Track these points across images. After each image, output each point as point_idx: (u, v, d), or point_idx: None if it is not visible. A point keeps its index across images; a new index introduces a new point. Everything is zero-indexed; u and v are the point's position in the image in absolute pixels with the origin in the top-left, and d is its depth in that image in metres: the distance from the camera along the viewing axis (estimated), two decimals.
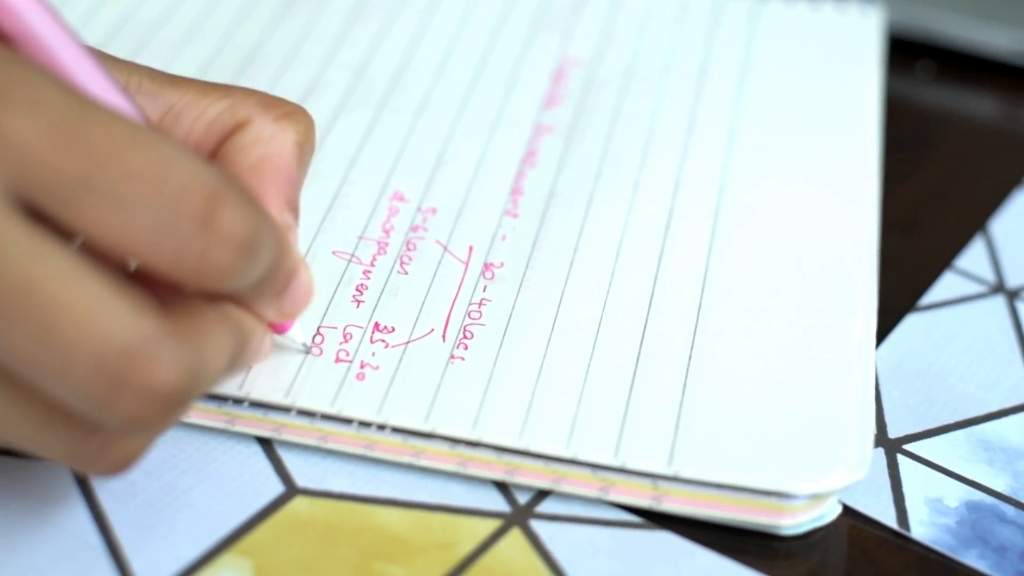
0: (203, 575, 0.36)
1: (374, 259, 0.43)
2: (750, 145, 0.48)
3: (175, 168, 0.31)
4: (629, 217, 0.45)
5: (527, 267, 0.43)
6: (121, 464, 0.34)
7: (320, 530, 0.38)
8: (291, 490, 0.38)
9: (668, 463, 0.38)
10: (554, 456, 0.38)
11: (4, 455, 0.38)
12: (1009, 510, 0.39)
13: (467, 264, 0.43)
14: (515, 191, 0.46)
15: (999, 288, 0.46)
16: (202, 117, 0.37)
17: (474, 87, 0.50)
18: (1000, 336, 0.44)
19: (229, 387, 0.39)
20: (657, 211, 0.45)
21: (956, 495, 0.40)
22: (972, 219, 0.48)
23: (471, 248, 0.43)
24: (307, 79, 0.50)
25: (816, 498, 0.38)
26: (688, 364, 0.40)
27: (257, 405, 0.39)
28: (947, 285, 0.46)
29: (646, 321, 0.41)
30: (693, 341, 0.41)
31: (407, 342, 0.40)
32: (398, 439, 0.38)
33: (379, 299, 0.42)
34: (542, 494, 0.39)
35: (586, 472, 0.38)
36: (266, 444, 0.39)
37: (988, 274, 0.46)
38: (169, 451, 0.39)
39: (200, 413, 0.39)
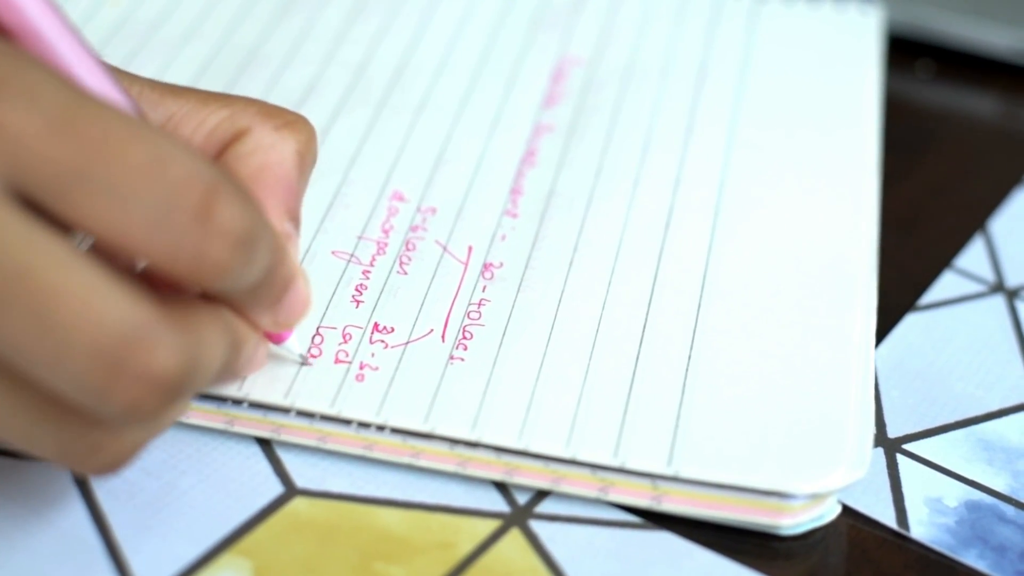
0: (202, 575, 0.36)
1: (373, 259, 0.43)
2: (750, 144, 0.48)
3: (172, 162, 0.31)
4: (629, 216, 0.45)
5: (526, 267, 0.43)
6: (113, 463, 0.34)
7: (320, 530, 0.38)
8: (290, 490, 0.38)
9: (667, 463, 0.38)
10: (553, 456, 0.38)
11: (2, 455, 0.38)
12: (1009, 510, 0.39)
13: (466, 264, 0.43)
14: (514, 191, 0.46)
15: (999, 287, 0.46)
16: (202, 126, 0.37)
17: (474, 86, 0.50)
18: (1000, 335, 0.44)
19: (229, 388, 0.39)
20: (657, 210, 0.45)
21: (956, 495, 0.40)
22: (972, 218, 0.48)
23: (470, 248, 0.43)
24: (307, 78, 0.50)
25: (815, 498, 0.38)
26: (687, 364, 0.40)
27: (256, 406, 0.39)
28: (947, 284, 0.46)
29: (645, 321, 0.41)
30: (693, 341, 0.41)
31: (406, 342, 0.40)
32: (397, 439, 0.38)
33: (378, 299, 0.42)
34: (541, 494, 0.39)
35: (585, 472, 0.38)
36: (265, 445, 0.39)
37: (988, 273, 0.46)
38: (168, 451, 0.39)
39: (200, 414, 0.39)
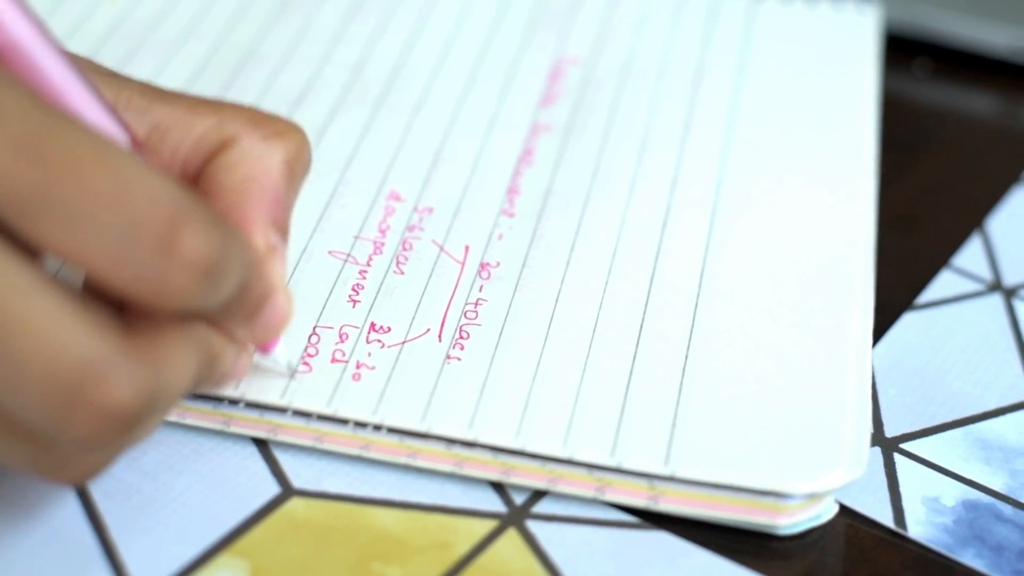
0: None
1: (370, 259, 0.43)
2: (747, 143, 0.48)
3: (137, 187, 0.31)
4: (626, 216, 0.45)
5: (523, 266, 0.43)
6: (84, 475, 0.34)
7: (316, 531, 0.38)
8: (287, 491, 0.38)
9: (664, 463, 0.38)
10: (550, 456, 0.38)
11: None
12: (1006, 509, 0.39)
13: (463, 264, 0.43)
14: (512, 190, 0.46)
15: (996, 286, 0.46)
16: (190, 134, 0.36)
17: (471, 86, 0.50)
18: (997, 334, 0.44)
19: (225, 389, 0.39)
20: (654, 210, 0.45)
21: (953, 494, 0.40)
22: (969, 217, 0.48)
23: (467, 248, 0.43)
24: (303, 78, 0.50)
25: (813, 497, 0.38)
26: (684, 363, 0.40)
27: (253, 406, 0.39)
28: (944, 283, 0.46)
29: (642, 320, 0.41)
30: (689, 340, 0.41)
31: (403, 342, 0.40)
32: (394, 439, 0.38)
33: (375, 299, 0.42)
34: (538, 494, 0.39)
35: (582, 472, 0.38)
36: (262, 445, 0.39)
37: (985, 272, 0.46)
38: (165, 452, 0.39)
39: (196, 414, 0.39)
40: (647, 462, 0.38)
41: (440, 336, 0.41)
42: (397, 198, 0.45)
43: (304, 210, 0.44)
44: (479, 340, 0.41)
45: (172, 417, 0.39)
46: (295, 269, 0.42)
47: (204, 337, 0.34)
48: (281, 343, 0.38)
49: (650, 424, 0.39)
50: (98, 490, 0.38)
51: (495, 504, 0.38)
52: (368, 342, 0.40)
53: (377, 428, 0.38)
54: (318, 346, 0.40)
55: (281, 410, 0.39)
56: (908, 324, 0.44)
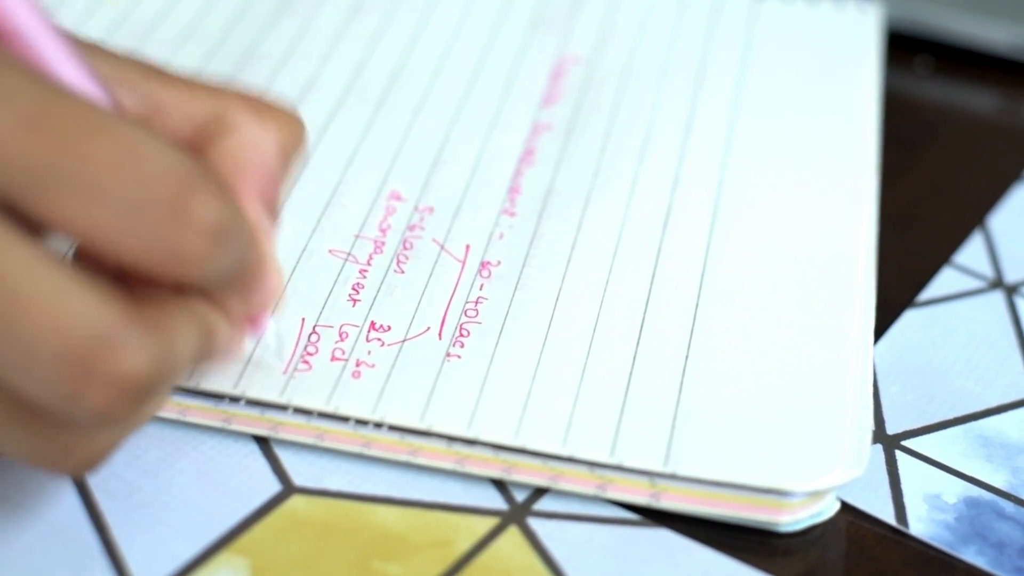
0: (200, 574, 0.36)
1: (371, 258, 0.43)
2: (748, 142, 0.48)
3: (147, 156, 0.31)
4: (627, 215, 0.45)
5: (524, 265, 0.43)
6: (86, 464, 0.34)
7: (317, 529, 0.38)
8: (288, 489, 0.38)
9: (665, 461, 0.38)
10: (551, 454, 0.38)
11: None
12: (1008, 506, 0.39)
13: (464, 263, 0.43)
14: (513, 189, 0.46)
15: (998, 283, 0.46)
16: (188, 117, 0.36)
17: (472, 85, 0.50)
18: (999, 332, 0.44)
19: (225, 385, 0.39)
20: (655, 209, 0.45)
21: (955, 491, 0.40)
22: (971, 214, 0.48)
23: (468, 247, 0.43)
24: (304, 77, 0.50)
25: (814, 495, 0.38)
26: (685, 361, 0.40)
27: (254, 403, 0.39)
28: (946, 281, 0.46)
29: (643, 319, 0.41)
30: (690, 338, 0.41)
31: (403, 340, 0.40)
32: (395, 437, 0.38)
33: (375, 298, 0.42)
34: (539, 492, 0.39)
35: (583, 470, 0.38)
36: (263, 443, 0.39)
37: (987, 269, 0.46)
38: (166, 450, 0.39)
39: (197, 411, 0.39)
40: (647, 460, 0.38)
41: (440, 334, 0.41)
42: (398, 197, 0.45)
43: (304, 209, 0.44)
44: (479, 339, 0.40)
45: (173, 415, 0.39)
46: (295, 268, 0.42)
47: (201, 310, 0.34)
48: (271, 327, 0.38)
49: (650, 422, 0.38)
50: (99, 488, 0.38)
51: (496, 502, 0.38)
52: (368, 340, 0.40)
53: (378, 426, 0.38)
54: (318, 344, 0.40)
55: (282, 408, 0.39)
56: (909, 321, 0.44)
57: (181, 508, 0.38)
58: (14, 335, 0.30)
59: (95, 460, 0.34)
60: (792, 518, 0.38)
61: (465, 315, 0.41)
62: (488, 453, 0.38)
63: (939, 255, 0.47)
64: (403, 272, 0.42)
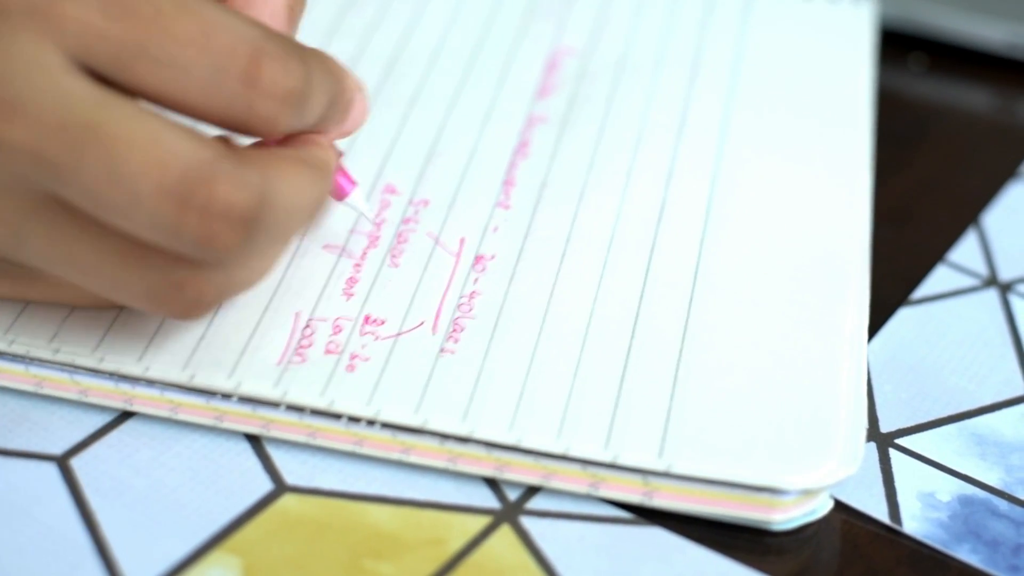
0: (191, 573, 0.36)
1: (365, 252, 0.43)
2: (742, 137, 0.48)
3: (218, 31, 0.34)
4: (621, 208, 0.45)
5: (518, 259, 0.43)
6: (197, 303, 0.36)
7: (309, 528, 0.37)
8: (280, 487, 0.38)
9: (659, 456, 0.38)
10: (544, 451, 0.38)
11: None
12: (1002, 504, 0.39)
13: (458, 256, 0.43)
14: (507, 182, 0.45)
15: (992, 281, 0.46)
16: None
17: (467, 78, 0.50)
18: (993, 329, 0.44)
19: (218, 379, 0.38)
20: (649, 202, 0.45)
21: (948, 489, 0.39)
22: (965, 212, 0.48)
23: (462, 240, 0.43)
24: None
25: (807, 493, 0.38)
26: (679, 357, 0.40)
27: (246, 400, 0.39)
28: (940, 278, 0.46)
29: (637, 314, 0.41)
30: (684, 334, 0.41)
31: (397, 334, 0.40)
32: (387, 435, 0.38)
33: (369, 292, 0.41)
34: (532, 490, 0.39)
35: (576, 468, 0.38)
36: (255, 441, 0.39)
37: (981, 267, 0.46)
38: (157, 449, 0.39)
39: (188, 409, 0.39)
40: (641, 456, 0.38)
41: (435, 328, 0.40)
42: (393, 191, 0.45)
43: None
44: (473, 333, 0.40)
45: (164, 412, 0.39)
46: (289, 264, 0.42)
47: (312, 153, 0.37)
48: (357, 188, 0.41)
49: (644, 417, 0.38)
50: (90, 487, 0.38)
51: (489, 500, 0.38)
52: (362, 334, 0.40)
53: (371, 423, 0.38)
54: (312, 338, 0.40)
55: (274, 404, 0.38)
56: (903, 319, 0.44)
57: (172, 507, 0.38)
58: (119, 176, 0.33)
59: (206, 301, 0.36)
60: (785, 516, 0.38)
61: (459, 309, 0.41)
62: (481, 451, 0.38)
63: (933, 253, 0.46)
64: (397, 266, 0.42)
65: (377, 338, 0.40)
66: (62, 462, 0.38)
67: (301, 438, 0.39)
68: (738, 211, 0.45)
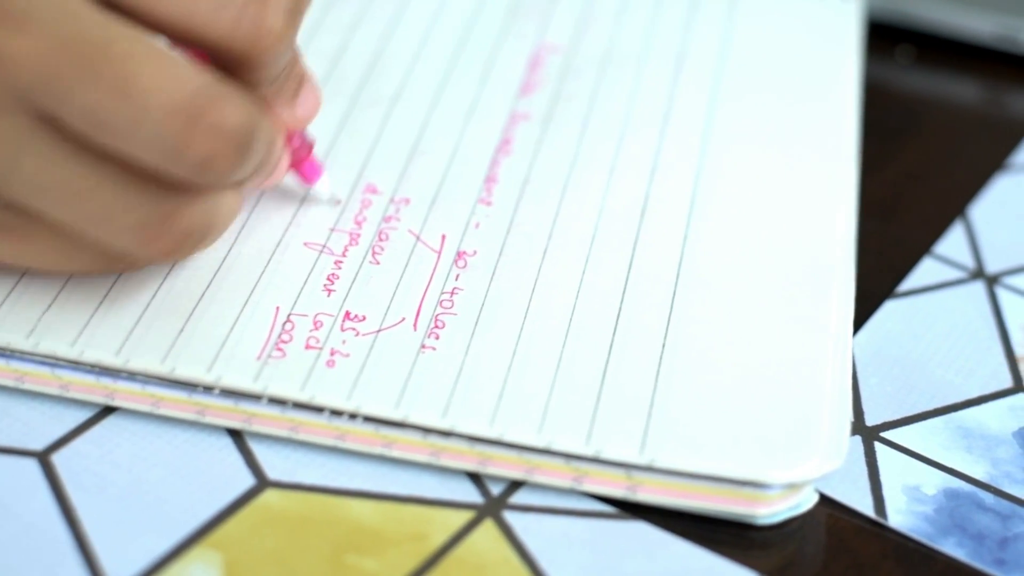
0: (173, 569, 0.36)
1: (346, 250, 0.42)
2: (727, 131, 0.47)
3: None
4: (604, 204, 0.44)
5: (500, 255, 0.43)
6: (183, 240, 0.37)
7: (291, 523, 0.37)
8: (262, 483, 0.38)
9: (640, 451, 0.37)
10: (526, 445, 0.38)
11: None
12: (988, 497, 0.39)
13: (440, 253, 0.43)
14: (489, 179, 0.45)
15: (978, 274, 0.45)
16: None
17: (450, 75, 0.49)
18: (979, 322, 0.44)
19: (198, 371, 0.38)
20: (633, 198, 0.45)
21: (934, 483, 0.39)
22: (952, 204, 0.48)
23: (444, 237, 0.43)
24: None
25: (792, 487, 0.38)
26: (662, 352, 0.40)
27: (227, 393, 0.38)
28: (926, 271, 0.45)
29: (620, 308, 0.41)
30: (667, 329, 0.41)
31: (378, 331, 0.40)
32: (370, 429, 0.38)
33: (350, 288, 0.41)
34: (516, 485, 0.38)
35: (559, 462, 0.38)
36: (237, 436, 0.39)
37: (967, 260, 0.46)
38: (139, 444, 0.39)
39: (170, 403, 0.39)
40: (623, 449, 0.37)
41: (415, 325, 0.40)
42: (374, 190, 0.45)
43: (280, 205, 0.44)
44: (454, 329, 0.40)
45: (146, 407, 0.39)
46: (269, 261, 0.42)
47: (267, 117, 0.38)
48: (324, 174, 0.43)
49: (627, 412, 0.38)
50: (71, 482, 0.38)
51: (472, 495, 0.38)
52: (343, 330, 0.40)
53: (352, 417, 0.38)
54: (292, 333, 0.40)
55: (255, 397, 0.38)
56: (889, 312, 0.44)
57: (154, 503, 0.37)
58: (126, 94, 0.34)
59: (193, 238, 0.37)
60: (770, 510, 0.38)
61: (441, 306, 0.41)
62: (463, 445, 0.38)
63: (920, 245, 0.46)
64: (379, 263, 0.42)
65: (358, 334, 0.40)
66: (43, 458, 0.38)
67: (283, 432, 0.39)
68: (722, 205, 0.45)
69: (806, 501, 0.38)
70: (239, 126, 0.35)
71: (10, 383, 0.39)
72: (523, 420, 0.38)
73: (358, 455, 0.39)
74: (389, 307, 0.41)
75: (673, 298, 0.41)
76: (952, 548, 0.38)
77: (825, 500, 0.39)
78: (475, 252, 0.43)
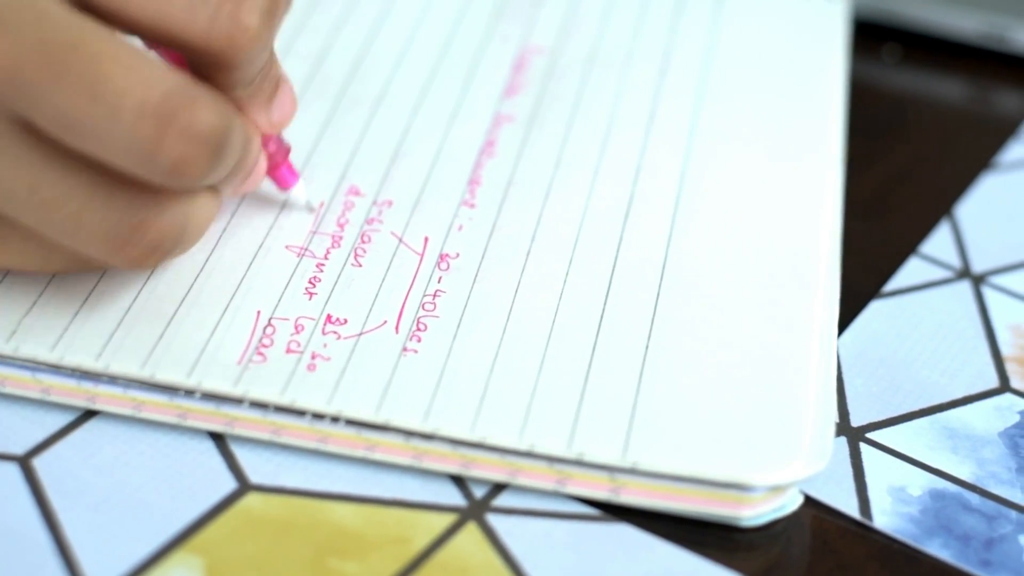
0: (154, 574, 0.36)
1: (328, 252, 0.42)
2: (712, 132, 0.47)
3: None
4: (588, 206, 0.44)
5: (483, 257, 0.42)
6: (154, 246, 0.37)
7: (273, 527, 0.37)
8: (244, 486, 0.38)
9: (623, 453, 0.37)
10: (508, 448, 0.37)
11: None
12: (973, 498, 0.39)
13: (422, 255, 0.42)
14: (473, 181, 0.45)
15: (965, 273, 0.45)
16: None
17: (434, 77, 0.49)
18: (965, 322, 0.44)
19: (179, 376, 0.38)
20: (616, 200, 0.45)
21: (919, 484, 0.39)
22: (938, 204, 0.48)
23: (426, 239, 0.43)
24: None
25: (776, 489, 0.38)
26: (645, 353, 0.40)
27: (208, 397, 0.38)
28: (912, 270, 0.45)
29: (603, 311, 0.41)
30: (651, 330, 0.40)
31: (359, 334, 0.40)
32: (352, 432, 0.38)
33: (332, 291, 0.41)
34: (499, 488, 0.38)
35: (542, 465, 0.38)
36: (219, 440, 0.39)
37: (954, 259, 0.46)
38: (120, 448, 0.38)
39: (152, 407, 0.39)
40: (605, 452, 0.37)
41: (397, 328, 0.40)
42: (357, 193, 0.44)
43: (261, 208, 0.43)
44: (437, 332, 0.40)
45: (127, 411, 0.39)
46: (251, 264, 0.42)
47: (241, 120, 0.37)
48: (300, 180, 0.43)
49: (609, 414, 0.38)
50: (52, 487, 0.37)
51: (455, 498, 0.38)
52: (324, 333, 0.40)
53: (335, 420, 0.38)
54: (273, 337, 0.40)
55: (237, 401, 0.38)
56: (875, 312, 0.44)
57: (135, 507, 0.37)
58: (99, 94, 0.34)
59: (163, 247, 0.37)
60: (754, 512, 0.38)
61: (423, 308, 0.41)
62: (446, 448, 0.38)
63: (906, 245, 0.46)
64: (360, 265, 0.42)
65: (339, 337, 0.40)
66: (24, 462, 0.38)
67: (265, 436, 0.38)
68: (707, 206, 0.44)
69: (791, 503, 0.38)
70: (212, 128, 0.35)
71: None
72: (506, 423, 0.38)
73: (340, 458, 0.38)
74: (371, 310, 0.41)
75: (657, 299, 0.41)
76: (938, 549, 0.38)
77: (810, 502, 0.39)
78: (458, 254, 0.42)
